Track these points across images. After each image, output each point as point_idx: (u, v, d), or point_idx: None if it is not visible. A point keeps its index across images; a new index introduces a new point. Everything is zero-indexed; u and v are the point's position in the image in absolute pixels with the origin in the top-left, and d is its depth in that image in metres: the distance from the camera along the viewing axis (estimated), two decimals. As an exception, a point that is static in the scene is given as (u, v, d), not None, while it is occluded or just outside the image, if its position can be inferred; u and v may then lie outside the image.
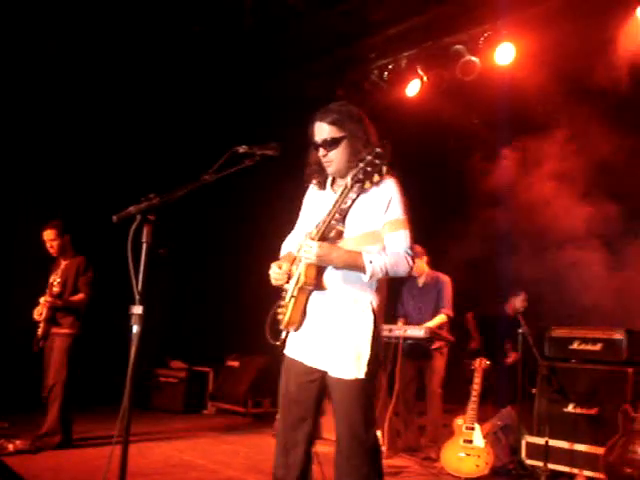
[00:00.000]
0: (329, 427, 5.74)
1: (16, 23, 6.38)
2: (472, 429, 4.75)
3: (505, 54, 6.44)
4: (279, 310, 2.77)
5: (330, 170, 2.74)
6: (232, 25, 6.83)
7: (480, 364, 4.94)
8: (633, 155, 5.67)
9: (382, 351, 2.74)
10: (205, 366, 7.90)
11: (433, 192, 7.36)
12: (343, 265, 2.58)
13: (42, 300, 5.26)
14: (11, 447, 4.93)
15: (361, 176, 2.42)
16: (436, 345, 5.46)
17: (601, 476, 4.16)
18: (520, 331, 4.84)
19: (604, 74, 6.03)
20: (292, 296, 2.68)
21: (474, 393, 4.84)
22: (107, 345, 6.48)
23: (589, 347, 4.76)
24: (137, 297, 2.51)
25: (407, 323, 5.63)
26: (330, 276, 2.66)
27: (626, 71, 5.89)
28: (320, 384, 2.67)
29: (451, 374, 5.57)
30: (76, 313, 5.34)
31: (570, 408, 4.68)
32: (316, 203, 2.86)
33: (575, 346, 4.84)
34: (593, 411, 4.56)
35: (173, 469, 4.80)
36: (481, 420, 4.93)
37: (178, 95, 7.71)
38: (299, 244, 2.76)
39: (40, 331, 5.28)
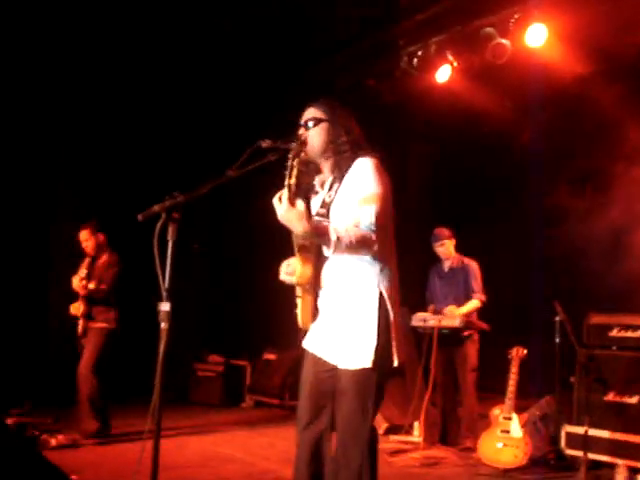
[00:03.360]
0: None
1: (32, 19, 6.47)
2: (509, 419, 4.68)
3: (537, 35, 6.28)
4: (296, 311, 2.81)
5: (303, 152, 2.70)
6: (259, 15, 6.82)
7: (517, 353, 4.86)
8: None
9: (402, 337, 2.66)
10: (242, 360, 7.96)
11: (466, 178, 7.30)
12: (304, 233, 2.50)
13: (75, 283, 5.44)
14: (54, 442, 5.05)
15: (337, 169, 2.51)
16: (467, 332, 5.38)
17: (643, 466, 4.06)
18: (557, 319, 4.75)
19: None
20: (298, 297, 2.74)
21: (511, 382, 4.77)
22: (152, 339, 6.57)
23: (629, 334, 4.64)
24: (164, 294, 2.53)
25: (435, 309, 5.55)
26: (331, 270, 2.68)
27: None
28: (335, 376, 2.68)
29: (487, 362, 5.50)
30: (111, 307, 5.53)
31: (610, 396, 4.57)
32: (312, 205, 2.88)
33: (614, 333, 4.72)
34: (634, 399, 4.46)
35: (209, 462, 4.85)
36: (519, 410, 4.87)
37: (206, 91, 7.74)
38: None
39: (80, 329, 5.50)
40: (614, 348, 4.72)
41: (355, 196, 2.62)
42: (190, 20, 6.75)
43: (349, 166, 2.64)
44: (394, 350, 2.59)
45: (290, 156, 2.55)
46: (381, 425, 5.85)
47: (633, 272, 5.45)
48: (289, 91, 7.39)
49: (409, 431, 5.56)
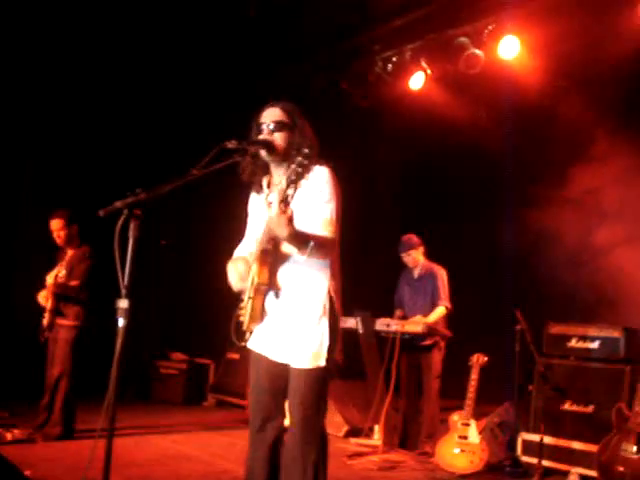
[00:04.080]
0: (328, 421, 5.80)
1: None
2: (468, 425, 4.74)
3: (509, 47, 6.37)
4: (240, 312, 2.82)
5: (271, 155, 2.76)
6: (235, 17, 6.81)
7: (477, 360, 4.92)
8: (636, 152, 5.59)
9: (341, 338, 2.79)
10: (206, 358, 7.93)
11: (434, 183, 7.37)
12: (287, 236, 2.53)
13: (48, 280, 5.27)
14: (9, 436, 4.97)
15: (294, 177, 2.48)
16: (433, 340, 5.43)
17: (594, 474, 4.14)
18: (518, 327, 4.82)
19: (610, 67, 5.98)
20: (249, 297, 2.75)
21: (470, 389, 4.83)
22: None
23: (587, 345, 4.73)
24: (123, 291, 2.52)
25: (403, 315, 5.59)
26: (284, 273, 2.73)
27: (632, 65, 5.84)
28: (286, 376, 2.73)
29: (451, 370, 5.55)
30: (81, 304, 5.33)
31: (566, 406, 4.66)
32: (259, 207, 2.92)
33: (573, 343, 4.81)
34: (589, 409, 4.55)
35: (167, 460, 4.83)
36: (479, 416, 4.93)
37: (174, 89, 7.67)
38: (254, 247, 2.82)
39: (45, 321, 5.28)
40: (572, 358, 4.81)
41: (314, 204, 2.69)
42: (163, 15, 6.69)
43: (306, 173, 2.65)
44: (338, 351, 2.71)
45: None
46: (342, 428, 5.88)
47: (597, 281, 5.55)
48: (262, 90, 7.39)
49: (369, 434, 5.59)
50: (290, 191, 2.54)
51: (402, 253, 5.72)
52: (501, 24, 6.36)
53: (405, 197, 7.88)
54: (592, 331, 4.74)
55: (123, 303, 2.52)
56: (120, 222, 2.48)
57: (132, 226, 2.53)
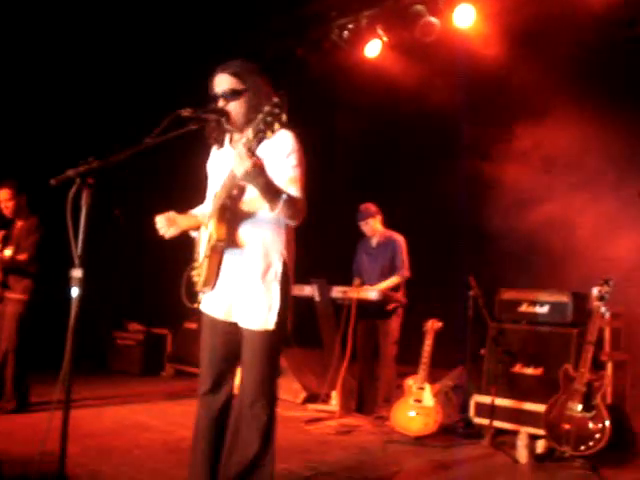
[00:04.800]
0: (286, 388, 5.86)
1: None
2: (422, 389, 4.86)
3: (465, 16, 6.41)
4: (193, 272, 2.81)
5: (228, 124, 2.73)
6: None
7: (432, 325, 5.03)
8: (593, 118, 5.68)
9: (292, 305, 2.80)
10: (163, 328, 7.90)
11: (391, 155, 7.40)
12: (263, 186, 2.48)
13: None
14: (-38, 412, 4.90)
15: (262, 126, 2.33)
16: (390, 306, 5.51)
17: (543, 432, 4.30)
18: (470, 293, 4.93)
19: (563, 36, 6.06)
20: (205, 256, 2.72)
21: (425, 354, 4.94)
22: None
23: (537, 309, 4.88)
24: (77, 260, 2.49)
25: (362, 283, 5.65)
26: (239, 231, 2.70)
27: (589, 35, 5.93)
28: (239, 339, 2.74)
29: (406, 335, 5.65)
30: (30, 277, 5.23)
31: (516, 368, 4.81)
32: (219, 164, 2.88)
33: (523, 308, 4.95)
34: (538, 371, 4.70)
35: (126, 430, 4.82)
36: (435, 380, 5.05)
37: (128, 57, 7.47)
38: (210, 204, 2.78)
39: None
40: (523, 323, 4.95)
41: (281, 166, 2.65)
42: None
43: (272, 129, 2.45)
44: (289, 316, 2.72)
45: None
46: (299, 394, 5.96)
47: (548, 247, 5.69)
48: (216, 57, 7.26)
49: (326, 400, 5.68)
50: (254, 143, 2.41)
51: (360, 222, 5.77)
52: (456, -8, 6.38)
53: (364, 165, 7.89)
54: (542, 296, 4.88)
55: (77, 272, 2.49)
56: (72, 191, 2.45)
57: (85, 195, 2.50)
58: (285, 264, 2.73)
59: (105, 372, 7.58)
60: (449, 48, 6.62)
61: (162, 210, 3.00)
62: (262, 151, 2.53)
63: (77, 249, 2.47)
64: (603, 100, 5.65)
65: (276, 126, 2.32)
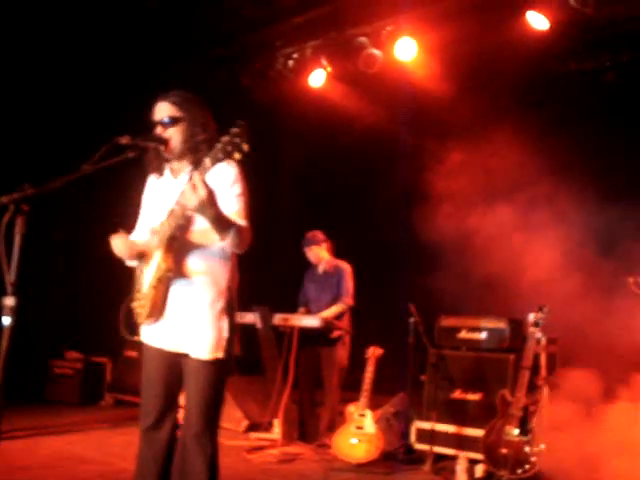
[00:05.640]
0: (228, 416, 5.80)
1: None
2: (364, 416, 4.88)
3: (406, 49, 6.56)
4: (135, 303, 2.77)
5: (165, 151, 2.74)
6: (132, 6, 6.62)
7: (373, 352, 5.07)
8: (523, 149, 5.88)
9: (238, 332, 2.91)
10: (103, 356, 7.72)
11: (336, 183, 7.50)
12: (214, 216, 2.47)
13: None
14: None
15: (221, 155, 2.32)
16: (335, 335, 5.53)
17: (481, 457, 4.37)
18: (411, 321, 5.01)
19: (501, 70, 6.31)
20: (152, 287, 2.69)
21: (366, 381, 4.98)
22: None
23: (475, 335, 4.99)
24: (10, 288, 2.44)
25: (308, 312, 5.67)
26: (188, 262, 2.69)
27: (519, 72, 6.18)
28: (182, 370, 2.73)
29: (349, 362, 5.66)
30: None
31: (457, 394, 4.90)
32: (157, 193, 2.87)
33: (462, 335, 5.06)
34: (477, 396, 4.80)
35: (62, 463, 4.67)
36: (376, 407, 5.08)
37: (67, 84, 7.35)
38: (152, 232, 2.75)
39: None
40: (462, 349, 5.05)
41: (225, 197, 2.64)
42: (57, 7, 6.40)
43: (232, 157, 2.43)
44: (236, 345, 2.74)
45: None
46: (241, 422, 5.90)
47: (487, 274, 5.82)
48: (159, 86, 7.24)
49: (269, 428, 5.63)
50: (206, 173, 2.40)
51: (305, 248, 5.81)
52: (399, 26, 6.54)
53: (309, 193, 7.97)
54: (480, 323, 5.00)
55: (9, 301, 2.45)
56: (6, 218, 2.41)
57: (19, 222, 2.47)
58: (231, 292, 2.75)
59: (42, 402, 7.33)
60: (392, 79, 6.78)
61: (101, 237, 2.96)
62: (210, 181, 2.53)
63: (10, 276, 2.43)
64: (540, 126, 5.88)
65: (236, 155, 2.33)
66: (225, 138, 2.32)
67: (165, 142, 2.72)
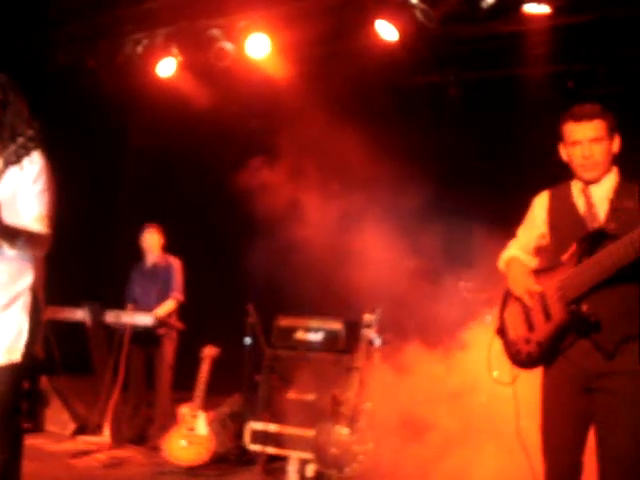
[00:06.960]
0: (53, 419, 5.47)
1: None
2: (196, 417, 4.76)
3: (259, 45, 6.48)
4: None
5: None
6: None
7: (209, 352, 4.96)
8: (363, 154, 5.99)
9: (42, 331, 2.73)
10: None
11: (181, 176, 7.30)
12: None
13: None
14: None
15: (14, 158, 2.26)
16: (163, 331, 5.38)
17: (312, 457, 4.40)
18: (249, 320, 4.95)
19: (348, 79, 6.41)
20: None
21: (200, 381, 4.87)
22: None
23: (311, 337, 5.00)
24: None
25: (136, 308, 5.47)
26: None
27: (367, 80, 6.32)
28: None
29: (184, 361, 5.52)
30: None
31: (291, 395, 4.88)
32: None
33: (299, 335, 5.05)
34: (311, 397, 4.81)
35: None
36: (213, 407, 4.98)
37: None
38: None
39: None
40: (298, 349, 5.05)
41: (26, 195, 2.53)
42: None
43: (19, 157, 2.37)
44: (38, 346, 2.64)
45: None
46: (68, 425, 5.57)
47: (327, 275, 5.88)
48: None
49: (98, 431, 5.36)
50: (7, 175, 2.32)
51: (145, 231, 5.65)
52: (253, 21, 6.45)
53: (153, 184, 7.68)
54: (316, 323, 5.02)
55: None
56: None
57: None
58: (34, 292, 2.60)
59: None
60: (243, 74, 6.68)
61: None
62: (8, 178, 2.40)
63: None
64: (384, 135, 6.03)
65: (27, 161, 2.29)
66: (20, 140, 2.26)
67: None
